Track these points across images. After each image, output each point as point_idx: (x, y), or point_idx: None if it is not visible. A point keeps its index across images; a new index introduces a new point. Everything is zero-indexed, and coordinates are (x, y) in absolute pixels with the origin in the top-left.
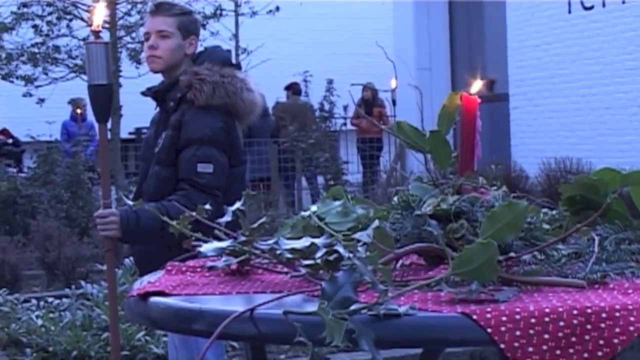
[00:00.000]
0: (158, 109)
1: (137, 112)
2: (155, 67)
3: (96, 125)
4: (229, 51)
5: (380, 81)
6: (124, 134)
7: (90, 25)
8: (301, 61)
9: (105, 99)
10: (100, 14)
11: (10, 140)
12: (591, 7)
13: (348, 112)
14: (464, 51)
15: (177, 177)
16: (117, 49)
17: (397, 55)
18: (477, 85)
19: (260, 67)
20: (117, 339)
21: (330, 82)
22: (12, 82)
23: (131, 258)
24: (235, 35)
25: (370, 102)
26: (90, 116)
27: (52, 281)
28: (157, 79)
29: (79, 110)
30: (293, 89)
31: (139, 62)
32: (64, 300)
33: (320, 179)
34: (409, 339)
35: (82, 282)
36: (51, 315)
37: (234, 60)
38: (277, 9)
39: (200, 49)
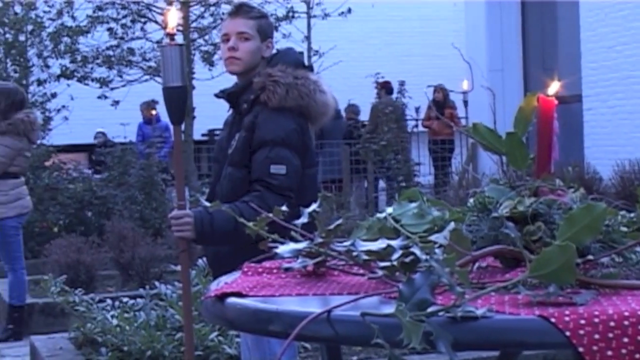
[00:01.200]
0: (231, 110)
1: (209, 113)
2: (234, 69)
3: (171, 127)
4: (301, 53)
5: (451, 82)
6: (196, 136)
7: (164, 28)
8: (373, 63)
9: (179, 101)
10: (174, 17)
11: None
12: None
13: (420, 113)
14: (537, 52)
15: (250, 178)
16: (190, 51)
17: (469, 56)
18: (554, 87)
19: (331, 69)
20: (191, 339)
21: (402, 83)
22: (87, 84)
23: (204, 259)
24: (308, 37)
25: (441, 104)
26: (164, 118)
27: (127, 281)
28: (230, 80)
29: (153, 112)
30: (386, 88)
31: (211, 64)
32: (138, 300)
33: (382, 183)
34: (486, 342)
35: (156, 283)
36: (126, 315)
37: (306, 63)
38: (349, 10)
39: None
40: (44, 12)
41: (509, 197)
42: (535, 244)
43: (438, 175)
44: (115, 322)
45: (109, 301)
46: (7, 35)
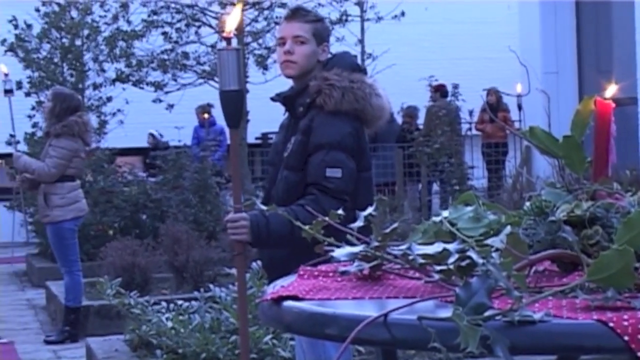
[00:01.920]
0: (287, 114)
1: (263, 117)
2: (290, 73)
3: (226, 130)
4: (354, 57)
5: (504, 85)
6: (250, 139)
7: (218, 32)
8: (426, 66)
9: (236, 104)
10: (232, 20)
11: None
12: None
13: (473, 116)
14: (592, 54)
15: (305, 181)
16: (244, 55)
17: (523, 59)
18: (611, 90)
19: (385, 72)
20: (246, 341)
21: (455, 86)
22: (142, 88)
23: (259, 262)
24: (361, 41)
25: (494, 107)
26: (219, 121)
27: (181, 284)
28: (283, 84)
29: (206, 116)
30: (440, 91)
31: (265, 68)
32: (193, 302)
33: (435, 186)
34: (543, 346)
35: (211, 285)
36: (180, 317)
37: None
38: (403, 14)
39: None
40: (100, 16)
41: (566, 201)
42: (592, 248)
43: (491, 179)
44: (170, 324)
45: (163, 304)
46: (64, 40)
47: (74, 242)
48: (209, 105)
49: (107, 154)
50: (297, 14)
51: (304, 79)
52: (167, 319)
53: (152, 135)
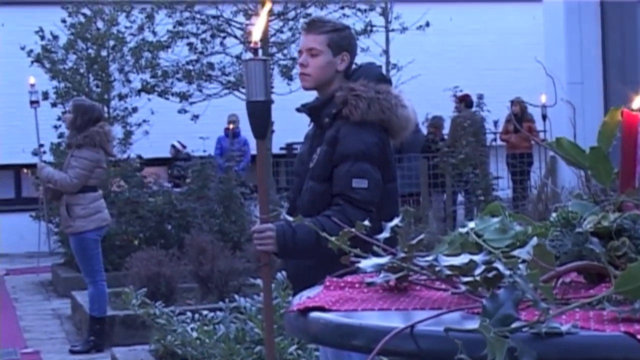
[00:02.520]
0: (312, 124)
1: (288, 127)
2: (305, 85)
3: (249, 140)
4: (380, 67)
5: (529, 96)
6: (275, 149)
7: (243, 43)
8: (451, 76)
9: (263, 115)
10: (258, 29)
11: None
12: None
13: (498, 127)
14: (617, 65)
15: (331, 192)
16: (269, 65)
17: (547, 69)
18: (638, 101)
19: (409, 82)
20: (272, 352)
21: (480, 97)
22: (167, 98)
23: (283, 272)
24: (386, 51)
25: (519, 117)
26: (243, 132)
27: (206, 294)
28: (309, 95)
29: (231, 126)
30: (465, 101)
31: (290, 79)
32: (218, 313)
33: (460, 197)
34: (570, 358)
35: (236, 296)
36: (205, 327)
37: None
38: (428, 24)
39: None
40: (126, 27)
41: (593, 212)
42: (619, 259)
43: (516, 189)
44: (195, 334)
45: (188, 314)
46: (90, 51)
47: (97, 252)
48: (233, 116)
49: (137, 162)
50: (311, 26)
51: (326, 89)
52: (192, 329)
53: (173, 146)
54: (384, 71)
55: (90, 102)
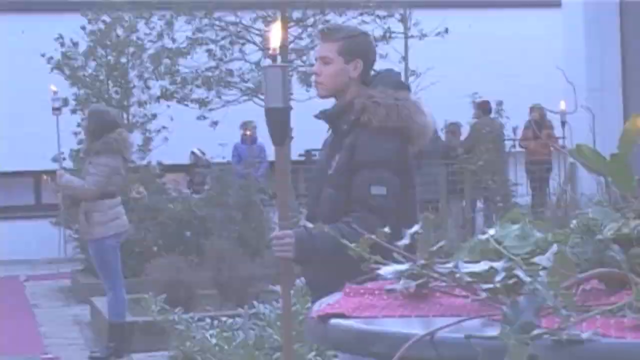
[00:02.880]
0: (331, 131)
1: (306, 134)
2: (320, 93)
3: (265, 147)
4: (399, 74)
5: (548, 102)
6: (294, 156)
7: (262, 50)
8: (469, 83)
9: (282, 121)
10: (275, 35)
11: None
12: None
13: (517, 133)
14: (637, 72)
15: (350, 199)
16: (288, 72)
17: (567, 76)
18: None
19: (428, 88)
20: (291, 359)
21: (499, 103)
22: (186, 105)
23: (302, 279)
24: (405, 58)
25: (538, 124)
26: (261, 138)
27: (225, 301)
28: (328, 101)
29: (248, 132)
30: (483, 108)
31: (309, 85)
32: (237, 319)
33: (479, 204)
34: None
35: (255, 302)
36: (224, 334)
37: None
38: (446, 30)
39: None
40: (145, 34)
41: (614, 219)
42: None
43: (535, 196)
44: (214, 341)
45: (207, 320)
46: (110, 58)
47: (116, 259)
48: (249, 122)
49: (157, 168)
50: (324, 34)
51: (342, 96)
52: (211, 335)
53: (193, 153)
54: (402, 78)
55: (105, 107)
